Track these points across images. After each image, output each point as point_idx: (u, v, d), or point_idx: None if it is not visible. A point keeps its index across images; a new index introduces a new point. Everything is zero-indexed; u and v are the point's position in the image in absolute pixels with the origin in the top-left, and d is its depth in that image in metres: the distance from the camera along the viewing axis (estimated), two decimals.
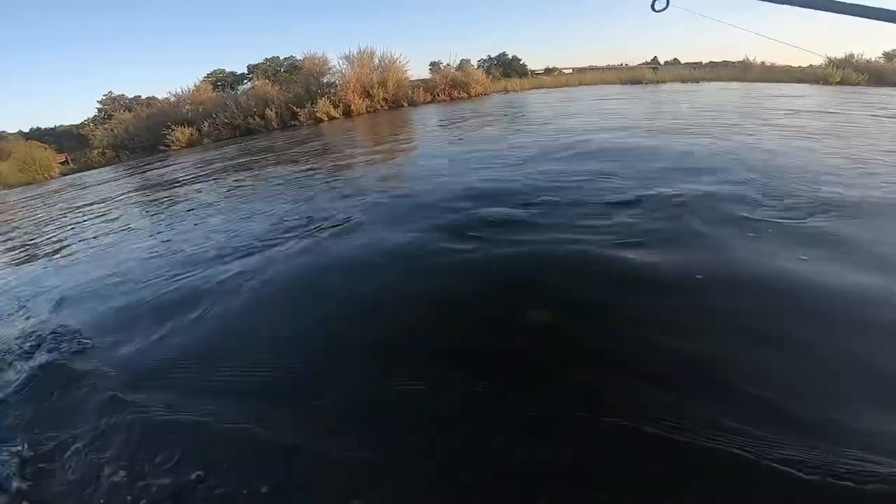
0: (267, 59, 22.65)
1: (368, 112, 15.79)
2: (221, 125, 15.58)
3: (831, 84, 15.44)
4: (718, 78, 18.94)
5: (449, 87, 17.74)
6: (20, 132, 27.72)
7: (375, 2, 50.47)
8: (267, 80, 18.33)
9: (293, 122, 15.15)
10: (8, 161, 16.56)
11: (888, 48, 19.63)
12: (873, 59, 17.84)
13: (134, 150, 16.94)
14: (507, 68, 23.39)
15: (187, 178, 7.45)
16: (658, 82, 18.80)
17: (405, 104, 16.46)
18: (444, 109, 13.70)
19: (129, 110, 19.52)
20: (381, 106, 16.21)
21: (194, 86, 18.32)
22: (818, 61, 18.97)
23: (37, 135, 27.44)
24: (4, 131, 26.78)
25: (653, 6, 1.44)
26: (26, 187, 13.72)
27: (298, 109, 15.20)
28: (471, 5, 52.08)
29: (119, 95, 25.33)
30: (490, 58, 24.48)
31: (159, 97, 20.34)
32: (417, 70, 19.73)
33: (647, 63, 28.29)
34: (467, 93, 17.86)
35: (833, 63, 17.10)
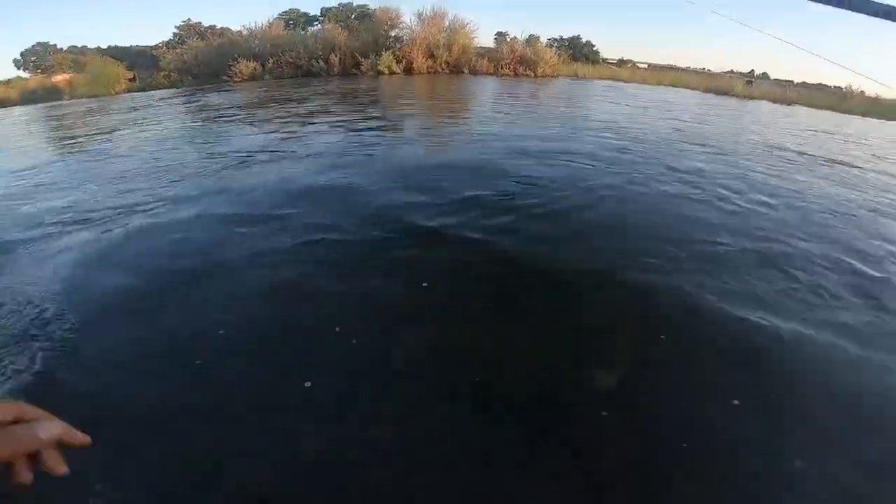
0: (341, 4, 22.55)
1: (429, 73, 15.50)
2: (285, 64, 15.69)
3: None
4: (811, 103, 17.03)
5: (515, 61, 17.08)
6: (98, 48, 29.12)
7: None
8: (337, 25, 18.23)
9: (354, 71, 15.05)
10: (82, 73, 17.43)
11: None
12: None
13: (197, 77, 17.38)
14: (577, 52, 22.15)
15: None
16: (747, 98, 17.22)
17: (466, 71, 16.02)
18: (506, 86, 13.20)
19: (203, 38, 20.00)
20: (443, 68, 15.85)
21: (267, 22, 18.47)
22: None
23: (113, 52, 28.74)
24: (85, 45, 28.12)
25: None
26: (93, 98, 14.38)
27: (362, 59, 15.06)
28: None
29: (196, 23, 25.97)
30: (562, 38, 23.26)
31: (233, 29, 20.74)
32: (483, 39, 18.99)
33: (742, 74, 26.21)
34: (533, 71, 17.16)
35: None
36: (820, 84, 22.81)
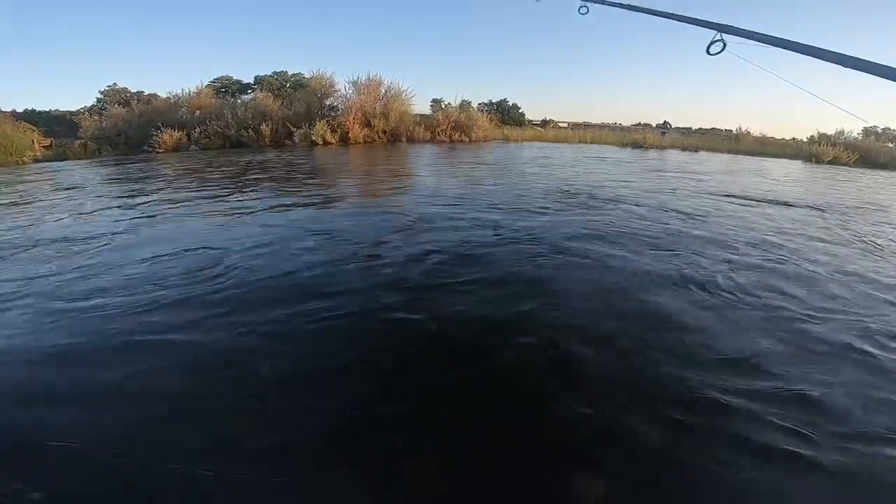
0: (275, 73, 22.58)
1: (366, 142, 15.49)
2: (212, 133, 15.09)
3: (823, 163, 15.30)
4: (712, 147, 19.10)
5: (451, 128, 17.61)
6: (13, 112, 27.02)
7: (383, 34, 51.49)
8: (270, 94, 18.07)
9: (287, 142, 14.73)
10: None
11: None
12: (856, 135, 17.85)
13: (117, 146, 16.31)
14: (505, 115, 23.57)
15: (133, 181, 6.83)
16: (661, 148, 18.70)
17: (404, 139, 16.22)
18: (444, 152, 13.39)
19: (125, 105, 19.04)
20: (380, 137, 15.94)
21: (196, 88, 17.96)
22: (806, 135, 19.26)
23: (30, 116, 26.77)
24: None
25: (708, 49, 1.43)
26: None
27: (295, 129, 14.82)
28: (476, 48, 53.39)
29: (122, 88, 24.91)
30: (491, 102, 24.72)
31: (161, 95, 19.99)
32: (419, 106, 19.68)
33: (651, 126, 28.70)
34: (468, 137, 17.74)
35: (822, 140, 17.02)
36: (713, 128, 25.73)
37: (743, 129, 20.62)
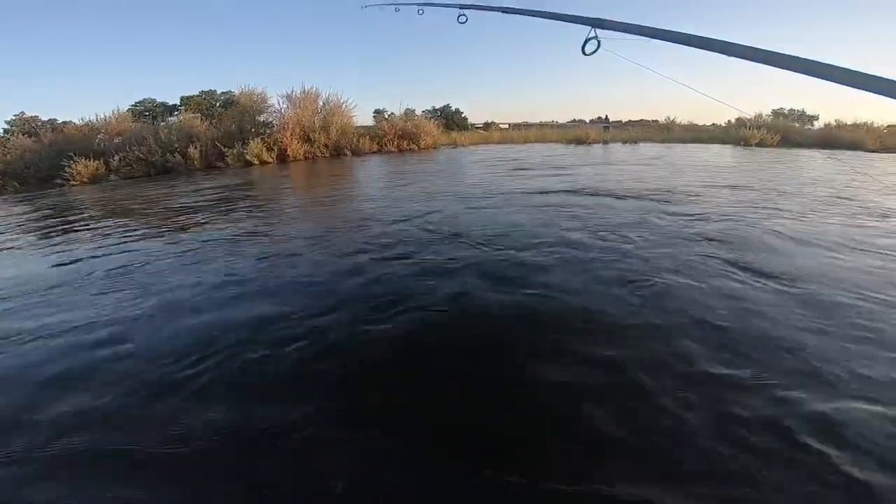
0: (203, 92, 21.18)
1: (306, 159, 14.72)
2: (134, 160, 13.80)
3: (751, 146, 16.27)
4: (648, 138, 19.91)
5: (397, 137, 17.18)
6: None
7: (326, 46, 50.28)
8: (197, 115, 16.88)
9: (219, 164, 13.71)
10: None
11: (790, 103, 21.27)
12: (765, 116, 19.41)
13: (26, 181, 14.60)
14: (449, 121, 23.53)
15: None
16: (605, 142, 19.12)
17: (348, 153, 15.59)
18: (394, 163, 12.93)
19: (33, 135, 17.15)
20: (322, 153, 15.22)
21: (113, 113, 16.47)
22: (733, 117, 20.51)
23: None
24: None
25: (583, 49, 1.38)
26: None
27: (227, 149, 13.82)
28: (416, 52, 53.23)
29: (31, 117, 22.61)
30: (434, 109, 24.61)
31: (77, 122, 18.17)
32: (361, 117, 19.18)
33: (599, 120, 29.58)
34: (417, 144, 17.37)
35: (749, 123, 18.11)
36: (641, 120, 26.94)
37: (671, 119, 21.78)
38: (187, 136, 14.56)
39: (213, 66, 45.31)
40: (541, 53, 58.90)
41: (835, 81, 0.90)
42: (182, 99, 21.27)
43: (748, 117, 18.75)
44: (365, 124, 19.27)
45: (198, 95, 20.99)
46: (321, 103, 16.55)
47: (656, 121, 24.16)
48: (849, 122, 17.34)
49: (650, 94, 51.28)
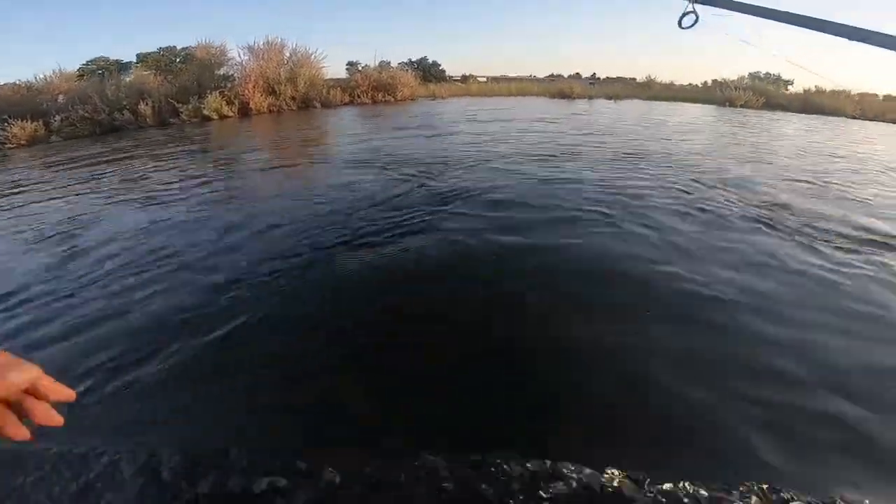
0: (161, 49, 19.34)
1: (271, 112, 13.46)
2: (78, 120, 12.44)
3: (736, 106, 16.42)
4: (634, 95, 19.71)
5: (371, 88, 15.90)
6: None
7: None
8: (152, 71, 15.36)
9: (173, 120, 12.41)
10: None
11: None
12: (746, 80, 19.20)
13: None
14: (426, 73, 22.12)
15: None
16: (590, 98, 18.46)
17: (317, 105, 14.34)
18: (367, 115, 11.90)
19: None
20: (288, 105, 13.95)
21: (54, 72, 14.86)
22: (709, 79, 20.17)
23: None
24: None
25: (679, 23, 1.30)
26: None
27: (181, 105, 12.50)
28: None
29: None
30: (411, 61, 23.03)
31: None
32: (334, 70, 17.79)
33: (586, 78, 28.52)
34: (393, 96, 16.14)
35: (732, 85, 17.92)
36: (619, 77, 25.84)
37: (651, 78, 21.81)
38: (138, 92, 13.14)
39: (178, 21, 42.10)
40: (517, 6, 55.85)
41: None
42: (138, 56, 19.49)
43: (730, 79, 18.56)
44: (338, 77, 17.89)
45: (155, 52, 19.18)
46: (287, 54, 15.13)
47: (634, 79, 23.74)
48: (827, 90, 16.93)
49: (626, 51, 49.39)
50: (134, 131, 11.90)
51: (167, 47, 19.76)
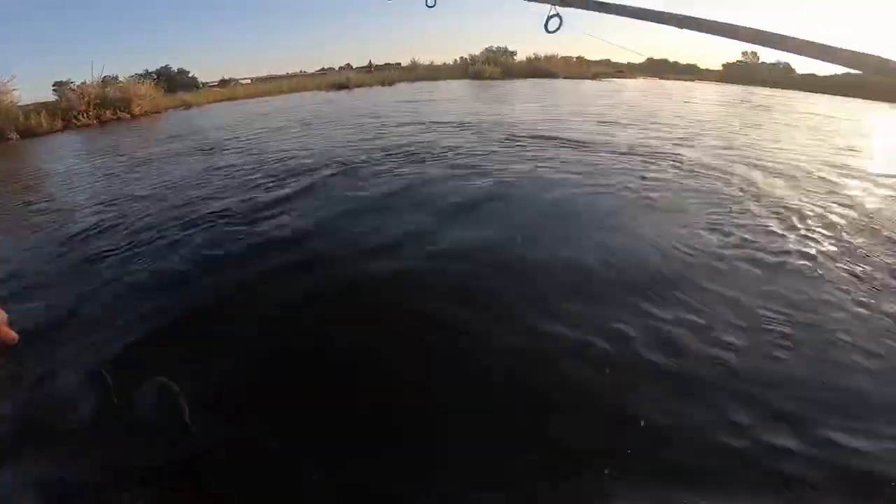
0: None
1: None
2: None
3: (484, 78, 19.11)
4: (402, 78, 21.09)
5: (95, 107, 13.10)
6: None
7: None
8: None
9: None
10: None
11: None
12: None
13: None
14: (171, 83, 19.36)
15: None
16: (370, 85, 19.07)
17: (13, 136, 11.16)
18: (90, 142, 9.73)
19: None
20: None
21: None
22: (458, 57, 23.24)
23: None
24: None
25: (546, 27, 1.37)
26: None
27: None
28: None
29: None
30: (148, 72, 19.77)
31: None
32: (36, 93, 14.00)
33: (363, 67, 28.87)
34: (129, 112, 13.64)
35: (476, 60, 21.13)
36: (387, 63, 27.72)
37: (415, 61, 23.37)
38: None
39: None
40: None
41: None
42: None
43: (475, 55, 21.84)
44: (43, 101, 14.10)
45: None
46: None
47: (399, 63, 25.65)
48: (542, 56, 21.44)
49: (393, 39, 51.75)
50: None
51: None
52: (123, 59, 43.47)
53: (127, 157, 6.93)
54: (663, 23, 1.18)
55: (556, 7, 1.36)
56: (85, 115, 12.72)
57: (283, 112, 11.44)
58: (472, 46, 24.19)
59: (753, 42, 1.06)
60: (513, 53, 22.81)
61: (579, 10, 1.35)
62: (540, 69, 20.27)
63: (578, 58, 22.34)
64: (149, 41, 38.06)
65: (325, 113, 10.70)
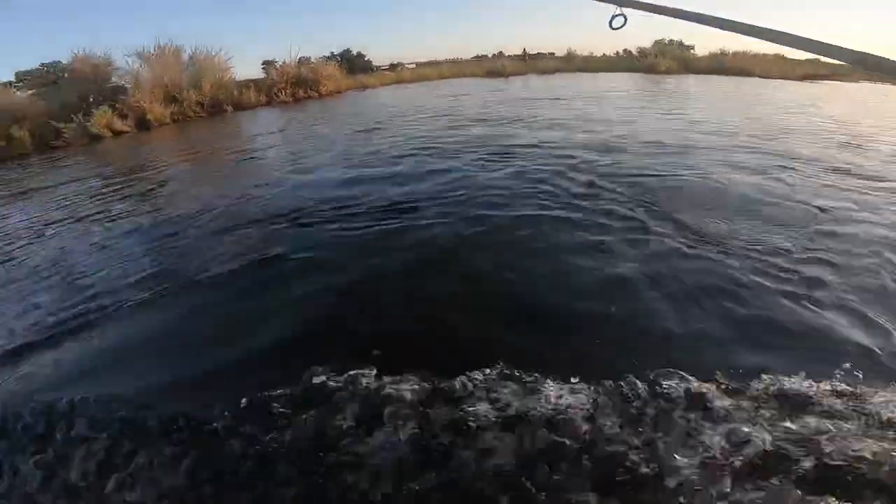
0: (44, 65, 16.99)
1: (175, 121, 12.01)
2: None
3: (660, 72, 16.36)
4: (559, 68, 19.57)
5: (291, 85, 14.62)
6: None
7: None
8: (28, 89, 13.40)
9: (56, 143, 10.73)
10: None
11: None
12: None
13: None
14: (352, 65, 20.83)
15: None
16: (524, 73, 18.12)
17: (228, 108, 12.97)
18: (286, 116, 10.76)
19: None
20: (195, 112, 12.51)
21: None
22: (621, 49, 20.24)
23: None
24: None
25: (610, 24, 1.40)
26: None
27: (64, 125, 10.82)
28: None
29: None
30: (333, 55, 21.55)
31: None
32: (249, 71, 16.31)
33: (517, 55, 27.95)
34: (317, 91, 14.94)
35: (649, 52, 18.23)
36: (538, 53, 25.31)
37: (572, 51, 21.44)
38: (10, 116, 11.28)
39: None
40: None
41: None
42: (17, 75, 17.00)
43: (647, 47, 18.91)
44: (255, 77, 16.38)
45: (38, 68, 16.80)
46: (186, 57, 13.61)
47: (552, 53, 23.55)
48: (731, 52, 17.22)
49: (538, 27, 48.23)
50: (11, 164, 10.18)
51: (51, 63, 17.43)
52: (312, 42, 49.42)
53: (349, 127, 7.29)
54: (705, 24, 1.16)
55: (620, 7, 1.36)
56: (283, 91, 14.26)
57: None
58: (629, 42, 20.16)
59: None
60: (689, 48, 19.14)
61: None
62: (729, 67, 16.23)
63: (775, 55, 17.48)
64: (328, 26, 42.53)
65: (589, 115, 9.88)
